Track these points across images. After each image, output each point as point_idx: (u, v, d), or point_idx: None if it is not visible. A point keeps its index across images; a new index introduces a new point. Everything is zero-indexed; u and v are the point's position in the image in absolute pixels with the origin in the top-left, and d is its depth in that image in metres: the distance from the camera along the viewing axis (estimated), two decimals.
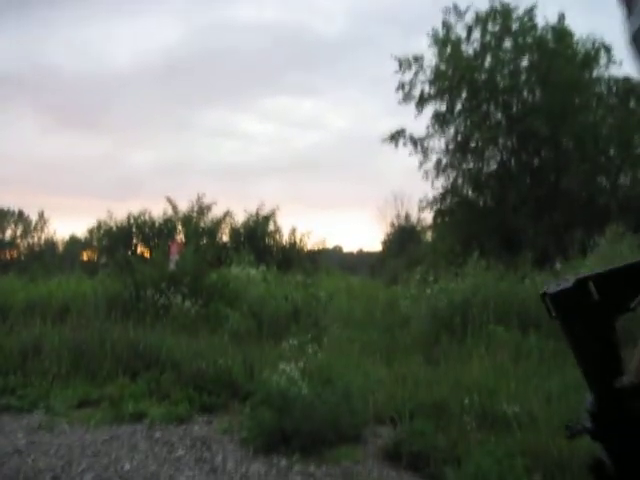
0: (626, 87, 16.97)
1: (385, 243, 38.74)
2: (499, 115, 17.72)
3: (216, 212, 22.25)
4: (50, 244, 69.07)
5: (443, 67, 17.68)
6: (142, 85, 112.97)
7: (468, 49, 17.59)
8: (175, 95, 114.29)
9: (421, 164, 18.86)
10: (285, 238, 21.05)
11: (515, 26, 16.96)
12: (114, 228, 21.53)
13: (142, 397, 5.06)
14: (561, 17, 16.72)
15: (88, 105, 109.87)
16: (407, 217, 37.46)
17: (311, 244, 21.15)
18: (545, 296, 0.98)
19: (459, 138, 18.09)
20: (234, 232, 21.56)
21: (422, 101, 18.15)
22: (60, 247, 69.61)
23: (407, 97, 18.41)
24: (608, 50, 16.95)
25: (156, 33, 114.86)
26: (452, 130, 18.34)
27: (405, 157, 21.40)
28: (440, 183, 18.75)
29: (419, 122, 18.76)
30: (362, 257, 58.39)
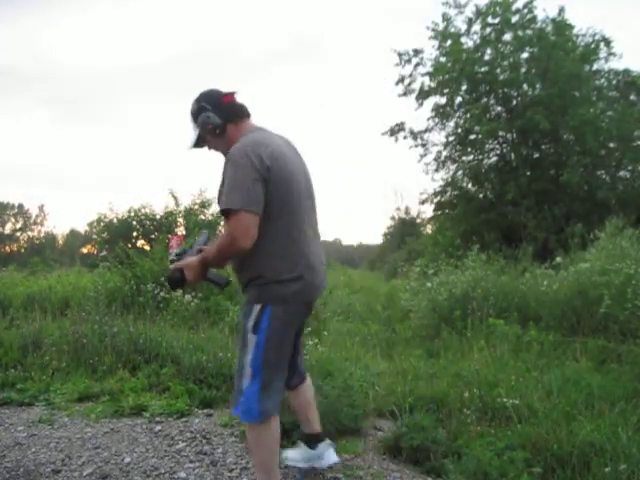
0: (626, 80, 16.95)
1: (385, 236, 38.85)
2: (499, 108, 17.71)
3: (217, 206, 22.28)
4: (50, 238, 69.28)
5: (443, 60, 17.67)
6: (144, 78, 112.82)
7: (468, 42, 17.58)
8: (176, 88, 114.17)
9: (421, 157, 18.91)
10: None
11: (515, 19, 16.93)
12: (114, 221, 21.53)
13: (142, 391, 5.07)
14: (561, 10, 16.70)
15: (90, 99, 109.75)
16: (407, 210, 37.60)
17: None
18: None
19: (459, 131, 18.09)
20: None
21: (422, 94, 18.15)
22: (60, 241, 69.95)
23: (407, 90, 18.43)
24: (608, 43, 16.94)
25: (159, 27, 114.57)
26: (452, 123, 18.36)
27: (405, 150, 21.46)
28: (440, 176, 18.82)
29: (419, 115, 18.79)
30: (362, 250, 58.65)
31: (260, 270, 2.72)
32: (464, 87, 17.62)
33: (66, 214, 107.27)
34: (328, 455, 3.30)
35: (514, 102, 17.24)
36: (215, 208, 22.18)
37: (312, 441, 3.30)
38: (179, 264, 2.84)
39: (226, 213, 2.59)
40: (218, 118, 2.85)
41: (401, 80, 18.36)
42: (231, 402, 2.94)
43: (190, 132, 2.95)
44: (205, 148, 3.02)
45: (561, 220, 14.36)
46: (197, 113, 2.88)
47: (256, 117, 2.99)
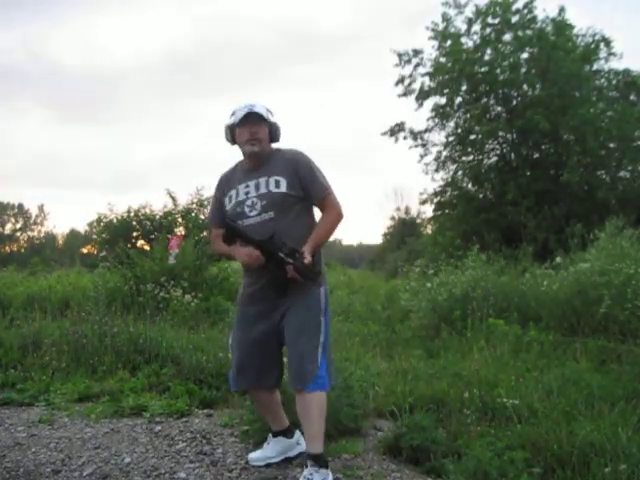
0: (626, 80, 16.96)
1: (385, 236, 38.88)
2: (499, 108, 17.72)
3: None
4: (50, 238, 69.27)
5: (443, 60, 17.67)
6: (144, 79, 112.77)
7: (468, 42, 17.59)
8: (176, 89, 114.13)
9: (421, 157, 18.92)
10: None
11: (515, 19, 16.93)
12: (114, 221, 21.50)
13: (142, 391, 5.07)
14: (561, 10, 16.71)
15: (89, 99, 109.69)
16: (407, 210, 37.63)
17: None
18: None
19: (459, 131, 18.09)
20: None
21: (422, 95, 18.15)
22: (60, 241, 69.94)
23: (407, 91, 18.42)
24: (608, 43, 16.95)
25: (158, 27, 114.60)
26: (452, 123, 18.36)
27: (405, 150, 21.50)
28: (440, 176, 18.83)
29: (419, 115, 18.84)
30: (362, 250, 58.64)
31: (319, 254, 3.17)
32: (464, 87, 17.64)
33: (66, 214, 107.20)
34: (302, 439, 3.49)
35: (514, 102, 17.26)
36: None
37: (289, 432, 3.52)
38: (304, 261, 2.98)
39: (324, 196, 3.22)
40: None
41: (401, 80, 18.38)
42: (297, 383, 3.10)
43: (262, 117, 3.26)
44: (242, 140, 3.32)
45: (561, 220, 14.37)
46: (270, 115, 3.33)
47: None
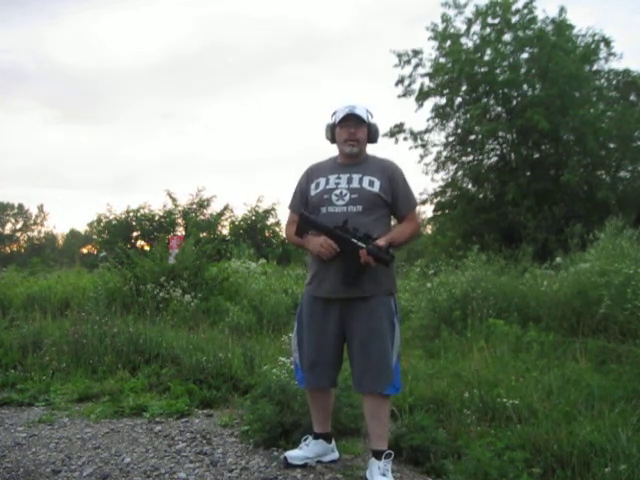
0: (626, 80, 16.98)
1: None
2: (499, 108, 17.72)
3: (216, 206, 22.27)
4: (50, 238, 69.29)
5: (443, 61, 17.67)
6: (143, 79, 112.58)
7: (468, 43, 17.59)
8: (176, 89, 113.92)
9: (421, 158, 18.92)
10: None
11: (515, 19, 16.94)
12: (114, 222, 21.52)
13: (142, 391, 5.08)
14: (561, 10, 16.71)
15: (89, 99, 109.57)
16: None
17: None
18: None
19: (459, 131, 18.09)
20: (234, 226, 21.59)
21: (422, 95, 18.15)
22: (60, 241, 69.94)
23: (407, 91, 18.43)
24: (608, 43, 16.96)
25: (159, 26, 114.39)
26: (452, 124, 18.37)
27: (405, 151, 21.47)
28: (440, 177, 18.83)
29: (419, 117, 18.91)
30: None
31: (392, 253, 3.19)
32: (464, 88, 17.64)
33: (66, 214, 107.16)
34: (336, 447, 3.60)
35: (514, 102, 17.26)
36: (214, 208, 22.24)
37: (328, 437, 3.54)
38: (378, 244, 3.02)
39: (412, 208, 3.40)
40: None
41: (400, 81, 18.38)
42: (375, 386, 3.17)
43: (362, 116, 3.30)
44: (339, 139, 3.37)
45: (561, 220, 14.36)
46: (370, 117, 3.37)
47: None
